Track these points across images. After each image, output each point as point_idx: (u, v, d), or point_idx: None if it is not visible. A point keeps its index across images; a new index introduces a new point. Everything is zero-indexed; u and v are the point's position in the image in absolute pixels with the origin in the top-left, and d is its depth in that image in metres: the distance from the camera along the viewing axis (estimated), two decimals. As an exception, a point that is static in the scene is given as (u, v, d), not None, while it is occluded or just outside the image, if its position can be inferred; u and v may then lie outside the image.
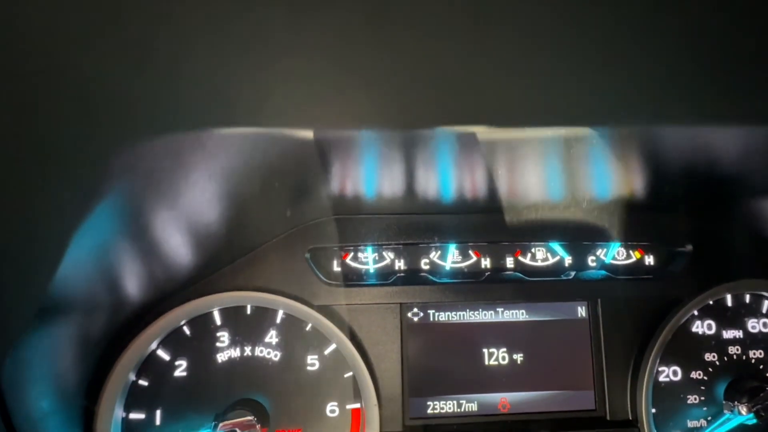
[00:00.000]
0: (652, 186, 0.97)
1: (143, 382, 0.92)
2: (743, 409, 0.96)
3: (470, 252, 1.04)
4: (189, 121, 0.37)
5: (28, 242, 0.47)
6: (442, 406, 0.98)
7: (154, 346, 0.93)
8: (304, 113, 0.38)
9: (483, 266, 1.03)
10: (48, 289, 0.53)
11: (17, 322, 0.55)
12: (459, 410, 0.98)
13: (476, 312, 1.01)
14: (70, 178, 0.42)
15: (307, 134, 0.79)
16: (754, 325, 1.04)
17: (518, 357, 1.00)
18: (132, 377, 0.91)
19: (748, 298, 1.05)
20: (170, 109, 0.36)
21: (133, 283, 0.84)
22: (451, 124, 0.42)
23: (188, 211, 0.80)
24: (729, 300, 1.05)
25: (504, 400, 0.99)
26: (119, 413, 0.89)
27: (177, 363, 0.93)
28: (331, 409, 0.94)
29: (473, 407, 0.98)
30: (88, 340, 0.83)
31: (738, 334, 1.04)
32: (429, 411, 0.97)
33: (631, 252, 1.06)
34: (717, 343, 1.03)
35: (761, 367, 1.03)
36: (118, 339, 0.90)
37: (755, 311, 1.05)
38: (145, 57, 0.33)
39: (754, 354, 1.03)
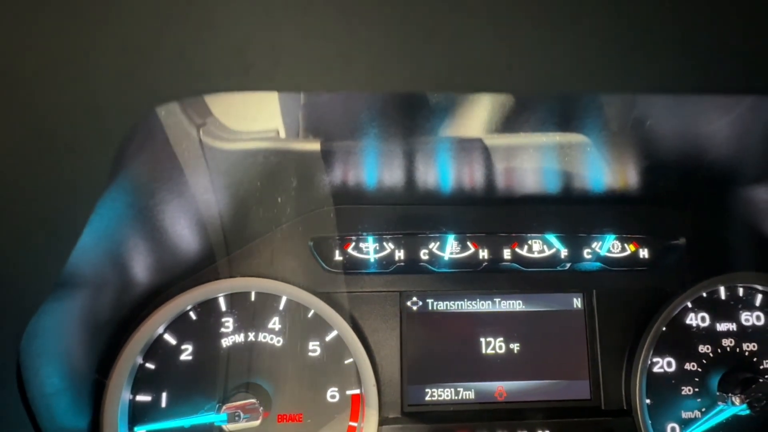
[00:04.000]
0: (647, 179, 1.00)
1: (150, 366, 0.95)
2: (736, 400, 0.98)
3: (468, 243, 1.06)
4: (204, 84, 0.40)
5: (47, 218, 0.50)
6: (440, 394, 1.00)
7: (161, 330, 0.96)
8: (318, 75, 0.40)
9: (481, 257, 1.06)
10: (65, 265, 0.56)
11: (35, 297, 0.58)
12: (456, 398, 1.00)
13: (474, 302, 1.03)
14: (87, 153, 0.45)
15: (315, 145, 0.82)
16: (747, 317, 1.06)
17: (515, 346, 1.02)
18: (139, 360, 0.94)
19: (741, 291, 1.07)
20: (185, 74, 0.39)
21: (140, 266, 0.87)
22: (439, 88, 0.45)
23: (194, 199, 0.83)
24: (722, 293, 1.07)
25: (500, 388, 1.01)
26: (126, 395, 0.92)
27: (183, 347, 0.96)
28: (332, 394, 0.97)
29: (470, 395, 1.00)
30: (97, 321, 0.86)
31: (731, 326, 1.05)
32: (427, 398, 1.00)
33: (626, 245, 1.09)
34: (711, 335, 1.05)
35: (755, 359, 1.04)
36: (126, 323, 0.93)
37: (749, 304, 1.07)
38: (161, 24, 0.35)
39: (748, 346, 1.05)
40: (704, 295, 1.06)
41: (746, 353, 1.05)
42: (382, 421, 0.96)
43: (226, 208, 0.90)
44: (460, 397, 1.00)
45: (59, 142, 0.44)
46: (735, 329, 1.05)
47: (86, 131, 0.43)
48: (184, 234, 0.89)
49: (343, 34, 0.38)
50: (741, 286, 1.07)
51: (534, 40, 0.40)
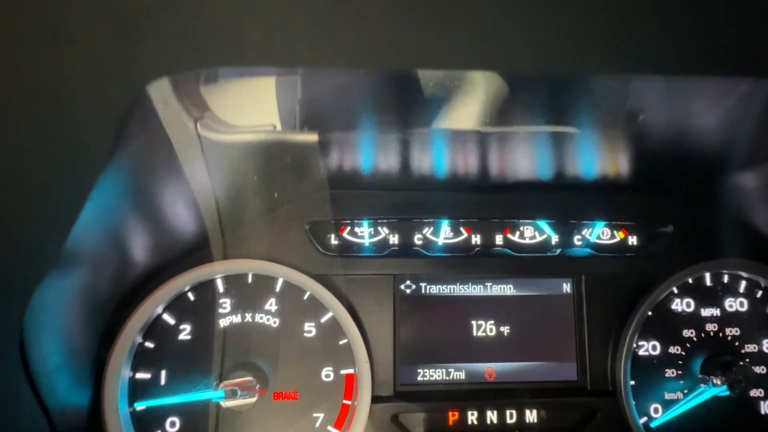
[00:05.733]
0: (636, 167, 1.02)
1: (149, 344, 0.97)
2: (717, 382, 1.02)
3: (461, 228, 1.09)
4: (200, 58, 0.41)
5: (50, 191, 0.51)
6: (432, 374, 1.03)
7: (159, 310, 0.98)
8: (308, 50, 0.41)
9: (473, 242, 1.08)
10: (67, 240, 0.58)
11: (38, 271, 0.60)
12: (447, 378, 1.03)
13: (466, 285, 1.06)
14: (87, 127, 0.46)
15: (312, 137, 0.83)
16: (731, 303, 1.09)
17: (505, 329, 1.05)
18: (139, 339, 0.96)
19: (726, 277, 1.10)
20: (180, 48, 0.40)
21: (139, 246, 0.89)
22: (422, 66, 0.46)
23: (193, 181, 0.85)
24: (708, 279, 1.10)
25: (490, 369, 1.04)
26: (126, 373, 0.95)
27: (181, 327, 0.98)
28: (326, 373, 0.99)
29: (461, 375, 1.03)
30: (97, 299, 0.88)
31: (715, 312, 1.09)
32: (419, 378, 1.03)
33: (615, 231, 1.11)
34: (695, 320, 1.08)
35: (737, 343, 1.08)
36: (126, 302, 0.95)
37: (733, 290, 1.10)
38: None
39: (730, 331, 1.08)
40: (690, 281, 1.09)
41: (729, 338, 1.08)
42: (375, 400, 0.99)
43: (225, 191, 0.92)
44: (451, 378, 1.03)
45: (59, 116, 0.45)
46: (719, 314, 1.09)
47: (86, 105, 0.45)
48: (182, 215, 0.91)
49: (333, 10, 0.39)
50: (726, 273, 1.10)
51: (525, 18, 0.41)
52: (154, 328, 0.98)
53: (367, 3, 0.38)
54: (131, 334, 0.94)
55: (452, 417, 1.01)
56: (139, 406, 0.95)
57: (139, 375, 0.96)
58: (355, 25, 0.40)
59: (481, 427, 1.01)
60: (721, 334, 1.08)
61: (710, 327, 1.08)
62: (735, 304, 1.09)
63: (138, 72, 0.42)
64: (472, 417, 1.01)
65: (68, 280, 0.77)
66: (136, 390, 0.95)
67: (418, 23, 0.40)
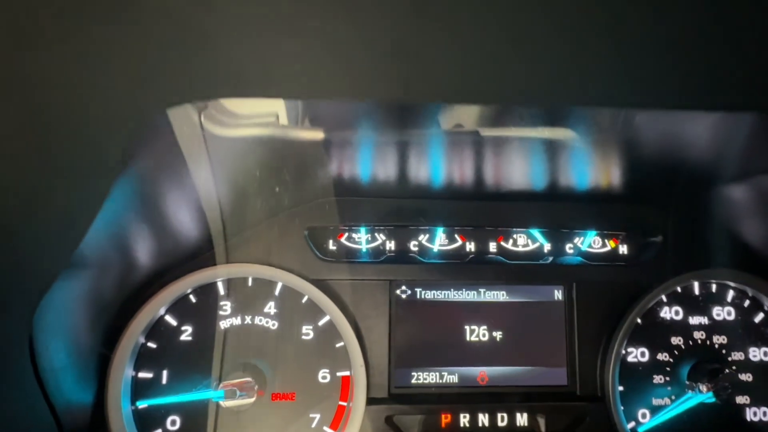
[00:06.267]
0: (628, 179, 1.05)
1: (152, 345, 1.00)
2: (704, 389, 1.04)
3: (456, 236, 1.11)
4: (210, 91, 0.44)
5: (66, 200, 0.55)
6: (425, 377, 1.06)
7: (162, 311, 1.01)
8: (311, 83, 0.44)
9: (467, 249, 1.11)
10: (79, 246, 0.61)
11: (50, 274, 0.63)
12: (441, 381, 1.06)
13: (460, 291, 1.09)
14: (104, 144, 0.49)
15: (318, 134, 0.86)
16: (718, 312, 1.12)
17: (497, 334, 1.08)
18: (141, 340, 0.99)
19: (714, 286, 1.13)
20: (190, 81, 0.43)
21: (143, 250, 0.92)
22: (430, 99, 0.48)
23: (196, 187, 0.88)
24: (696, 288, 1.12)
25: (483, 373, 1.07)
26: (129, 372, 0.98)
27: (183, 328, 1.01)
28: (323, 375, 1.02)
29: (454, 379, 1.06)
30: (101, 301, 0.92)
31: (703, 320, 1.11)
32: (413, 381, 1.05)
33: (606, 241, 1.14)
34: (683, 328, 1.11)
35: (723, 351, 1.10)
36: (130, 304, 0.98)
37: (720, 299, 1.13)
38: (175, 36, 0.39)
39: (718, 339, 1.11)
40: (678, 289, 1.11)
41: (716, 345, 1.11)
42: (370, 402, 1.01)
43: (226, 197, 0.95)
44: (444, 381, 1.06)
45: (78, 135, 0.48)
46: (706, 323, 1.11)
47: (102, 124, 0.48)
48: (185, 220, 0.94)
49: (339, 47, 0.42)
50: (714, 282, 1.12)
51: (526, 53, 0.44)
52: (156, 329, 1.01)
53: (371, 40, 0.41)
54: (134, 335, 0.97)
55: (445, 419, 1.04)
56: (141, 405, 0.98)
57: (142, 374, 0.99)
58: (357, 60, 0.42)
59: (473, 430, 1.04)
60: (708, 342, 1.11)
61: (698, 335, 1.11)
62: (722, 313, 1.12)
63: (153, 100, 0.45)
64: (464, 420, 1.04)
65: (75, 282, 0.80)
66: (139, 389, 0.98)
67: (436, 58, 0.43)
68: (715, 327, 1.11)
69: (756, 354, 1.11)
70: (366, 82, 0.44)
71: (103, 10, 0.37)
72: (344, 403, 1.02)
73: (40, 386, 0.76)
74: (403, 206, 1.09)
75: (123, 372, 0.96)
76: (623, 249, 1.14)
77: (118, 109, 0.45)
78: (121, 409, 0.94)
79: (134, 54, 0.40)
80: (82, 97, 0.44)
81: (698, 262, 1.11)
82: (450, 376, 1.06)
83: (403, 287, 1.08)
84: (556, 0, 0.39)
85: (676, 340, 1.10)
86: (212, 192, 0.91)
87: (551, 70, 0.46)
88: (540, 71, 0.46)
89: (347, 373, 1.02)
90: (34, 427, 0.77)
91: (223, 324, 1.02)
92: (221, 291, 1.04)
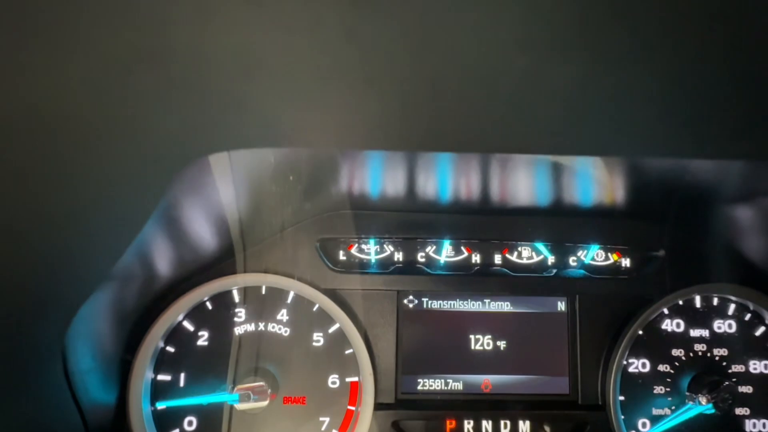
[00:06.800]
0: (631, 196, 1.07)
1: (170, 349, 1.05)
2: (703, 400, 1.07)
3: (462, 248, 1.15)
4: (243, 141, 0.49)
5: (112, 220, 0.59)
6: (431, 384, 1.10)
7: (180, 317, 1.06)
8: (334, 136, 0.48)
9: (473, 261, 1.14)
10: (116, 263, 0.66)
11: (89, 286, 0.68)
12: (446, 388, 1.10)
13: (465, 302, 1.12)
14: (150, 177, 0.54)
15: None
16: (719, 325, 1.14)
17: (501, 344, 1.12)
18: (161, 344, 1.04)
19: (716, 300, 1.15)
20: (224, 132, 0.48)
21: (163, 261, 0.97)
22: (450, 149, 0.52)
23: (214, 205, 0.92)
24: (698, 301, 1.15)
25: (486, 381, 1.11)
26: (149, 375, 1.03)
27: (200, 333, 1.06)
28: (333, 380, 1.07)
29: (459, 386, 1.10)
30: (124, 309, 0.97)
31: (704, 333, 1.14)
32: (419, 387, 1.09)
33: (609, 254, 1.17)
34: (684, 340, 1.13)
35: (724, 363, 1.13)
36: (150, 311, 1.03)
37: (722, 313, 1.15)
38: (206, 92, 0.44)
39: (718, 352, 1.13)
40: (680, 303, 1.14)
41: (716, 358, 1.13)
42: (378, 407, 1.05)
43: (242, 211, 0.99)
44: (449, 388, 1.10)
45: (130, 165, 0.53)
46: (707, 335, 1.13)
47: (152, 161, 0.52)
48: (203, 233, 0.98)
49: (364, 102, 0.45)
50: (716, 296, 1.15)
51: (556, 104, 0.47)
52: (175, 335, 1.06)
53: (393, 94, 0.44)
54: (154, 340, 1.03)
55: (449, 425, 1.07)
56: (160, 406, 1.03)
57: (161, 377, 1.04)
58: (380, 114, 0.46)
59: None
60: (709, 354, 1.13)
61: (699, 347, 1.13)
62: (724, 326, 1.14)
63: (197, 147, 0.49)
64: (468, 426, 1.07)
65: (102, 292, 0.85)
66: (158, 391, 1.03)
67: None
68: (715, 340, 1.13)
69: (756, 367, 1.13)
70: (399, 134, 0.48)
71: (157, 65, 0.41)
72: (353, 408, 1.06)
73: (69, 388, 0.82)
74: (411, 220, 1.12)
75: (143, 375, 1.01)
76: (626, 262, 1.16)
77: (167, 151, 0.50)
78: (141, 410, 1.00)
79: (185, 105, 0.45)
80: (138, 134, 0.48)
81: (700, 276, 1.13)
82: (455, 384, 1.10)
83: (411, 297, 1.11)
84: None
85: (677, 352, 1.13)
86: (229, 207, 0.95)
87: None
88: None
89: (356, 378, 1.07)
90: (63, 425, 0.83)
91: (238, 330, 1.07)
92: (236, 299, 1.08)
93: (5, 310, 0.57)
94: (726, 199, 1.01)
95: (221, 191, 0.85)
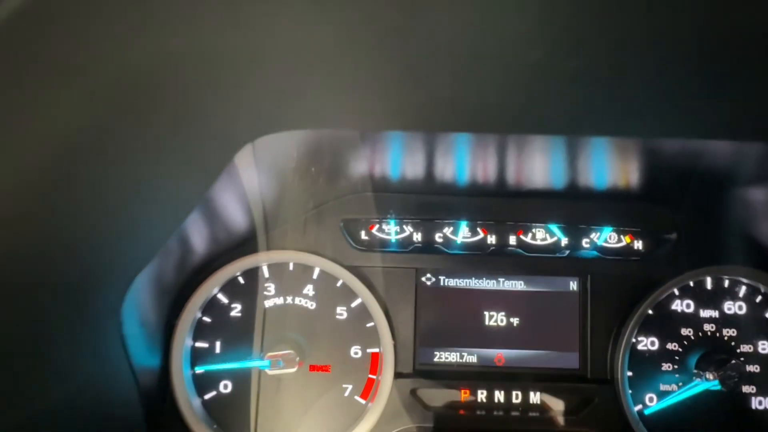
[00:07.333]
0: (645, 179, 1.10)
1: (207, 319, 1.14)
2: (710, 376, 1.11)
3: (478, 229, 1.20)
4: (296, 122, 0.54)
5: (169, 202, 0.66)
6: (447, 356, 1.17)
7: (215, 291, 1.15)
8: (377, 116, 0.52)
9: (489, 242, 1.20)
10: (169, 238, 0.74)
11: (144, 260, 0.76)
12: (461, 360, 1.17)
13: (480, 280, 1.18)
14: (206, 158, 0.60)
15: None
16: (729, 306, 1.17)
17: (514, 320, 1.17)
18: (198, 315, 1.14)
19: (727, 282, 1.18)
20: (275, 113, 0.53)
21: (200, 239, 1.05)
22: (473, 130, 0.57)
23: (246, 190, 0.99)
24: (709, 282, 1.17)
25: (500, 354, 1.17)
26: (188, 342, 1.12)
27: (233, 305, 1.15)
28: (355, 351, 1.14)
29: (473, 359, 1.17)
30: (165, 282, 1.06)
31: (714, 313, 1.17)
32: (435, 359, 1.17)
33: (621, 236, 1.20)
34: (694, 320, 1.16)
35: (733, 343, 1.16)
36: (188, 285, 1.12)
37: (732, 294, 1.17)
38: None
39: (727, 332, 1.16)
40: (691, 284, 1.17)
41: (725, 338, 1.16)
42: (397, 376, 1.13)
43: (271, 194, 1.07)
44: (464, 360, 1.17)
45: (188, 146, 0.59)
46: (717, 316, 1.16)
47: (200, 151, 0.58)
48: (236, 214, 1.06)
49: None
50: (727, 278, 1.17)
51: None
52: (211, 306, 1.15)
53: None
54: (193, 310, 1.12)
55: (464, 394, 1.15)
56: (199, 370, 1.13)
57: (199, 344, 1.14)
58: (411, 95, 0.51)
59: (490, 405, 1.14)
60: (718, 334, 1.16)
61: (708, 327, 1.16)
62: (734, 307, 1.17)
63: (250, 128, 0.54)
64: (481, 395, 1.14)
65: (148, 267, 0.94)
66: (196, 356, 1.13)
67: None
68: (725, 320, 1.16)
69: (765, 347, 1.16)
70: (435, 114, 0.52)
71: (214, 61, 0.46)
72: (374, 377, 1.14)
73: (124, 350, 0.91)
74: (430, 201, 1.18)
75: (184, 342, 1.11)
76: (638, 245, 1.20)
77: (226, 134, 0.55)
78: (182, 373, 1.10)
79: (244, 92, 0.50)
80: (201, 119, 0.54)
81: (711, 258, 1.15)
82: (469, 356, 1.17)
83: (428, 275, 1.18)
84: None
85: (686, 331, 1.16)
86: (258, 190, 1.03)
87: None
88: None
89: (377, 350, 1.14)
90: (119, 382, 0.93)
91: (267, 303, 1.15)
92: (266, 274, 1.16)
93: (77, 275, 0.64)
94: (741, 182, 1.02)
95: (251, 176, 0.92)
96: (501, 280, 1.18)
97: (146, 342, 1.04)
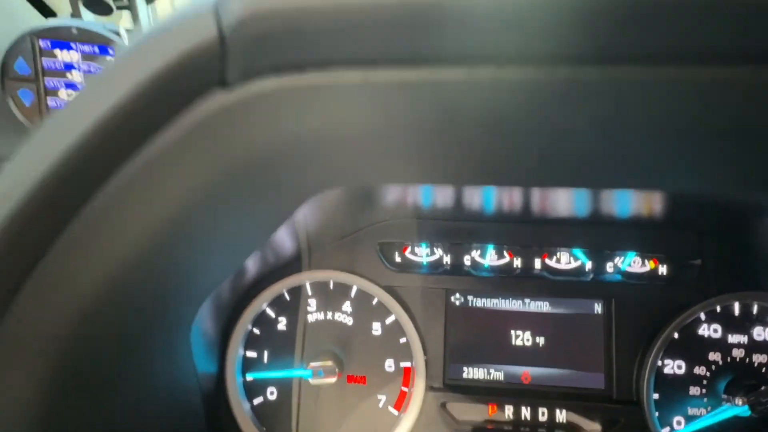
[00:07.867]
0: (669, 207, 1.14)
1: (256, 331, 1.27)
2: (739, 401, 1.12)
3: (505, 253, 1.27)
4: (360, 179, 0.64)
5: (240, 243, 0.78)
6: (475, 372, 1.24)
7: (264, 306, 1.28)
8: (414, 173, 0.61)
9: (515, 265, 1.26)
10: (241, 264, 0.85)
11: (218, 279, 0.89)
12: (488, 377, 1.23)
13: (507, 301, 1.25)
14: (278, 207, 0.71)
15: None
16: (759, 333, 1.18)
17: (540, 340, 1.23)
18: (249, 327, 1.27)
19: (756, 308, 1.19)
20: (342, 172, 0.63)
21: (251, 262, 1.19)
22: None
23: (297, 220, 1.12)
24: (737, 308, 1.19)
25: (526, 372, 1.23)
26: (241, 351, 1.26)
27: (279, 319, 1.28)
28: (389, 365, 1.24)
29: (500, 376, 1.23)
30: (221, 299, 1.20)
31: (743, 339, 1.18)
32: (464, 375, 1.24)
33: (645, 261, 1.24)
34: (721, 345, 1.18)
35: (763, 370, 1.17)
36: (241, 301, 1.26)
37: (762, 320, 1.18)
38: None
39: (757, 358, 1.17)
40: (718, 309, 1.19)
41: (755, 364, 1.17)
42: (428, 389, 1.21)
43: (315, 222, 1.19)
44: (491, 377, 1.23)
45: (261, 197, 0.69)
46: (746, 342, 1.18)
47: (285, 201, 0.68)
48: (284, 240, 1.19)
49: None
50: (756, 303, 1.18)
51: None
52: (260, 320, 1.28)
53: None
54: (245, 323, 1.26)
55: (492, 409, 1.21)
56: (249, 377, 1.26)
57: (249, 354, 1.27)
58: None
59: (516, 421, 1.20)
60: (747, 360, 1.17)
61: (737, 353, 1.18)
62: (763, 334, 1.18)
63: (316, 186, 0.65)
64: (509, 411, 1.21)
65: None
66: (247, 365, 1.26)
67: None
68: (754, 346, 1.17)
69: (797, 374, 1.16)
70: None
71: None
72: (406, 389, 1.23)
73: (191, 357, 1.05)
74: (459, 227, 1.27)
75: (237, 351, 1.25)
76: (662, 269, 1.23)
77: (305, 186, 0.64)
78: (235, 380, 1.23)
79: (327, 160, 0.59)
80: (289, 181, 0.62)
81: (738, 284, 1.17)
82: (497, 373, 1.23)
83: (457, 295, 1.26)
84: None
85: (713, 356, 1.18)
86: (304, 218, 1.15)
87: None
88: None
89: (409, 364, 1.23)
90: (188, 388, 1.07)
91: (310, 318, 1.27)
92: (309, 292, 1.28)
93: (163, 289, 0.75)
94: (761, 212, 1.05)
95: (301, 210, 1.04)
96: (527, 301, 1.24)
97: (206, 351, 1.18)
